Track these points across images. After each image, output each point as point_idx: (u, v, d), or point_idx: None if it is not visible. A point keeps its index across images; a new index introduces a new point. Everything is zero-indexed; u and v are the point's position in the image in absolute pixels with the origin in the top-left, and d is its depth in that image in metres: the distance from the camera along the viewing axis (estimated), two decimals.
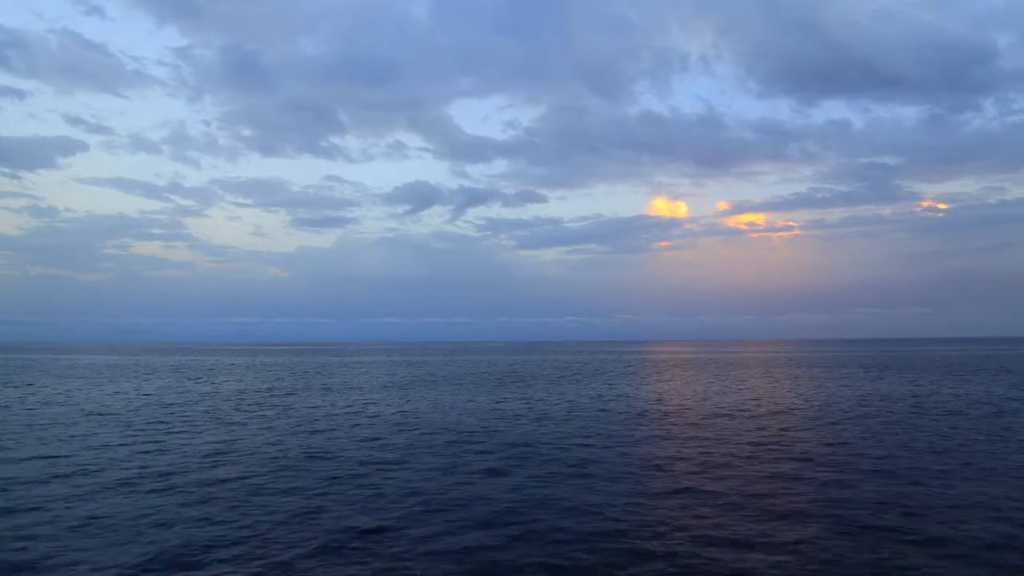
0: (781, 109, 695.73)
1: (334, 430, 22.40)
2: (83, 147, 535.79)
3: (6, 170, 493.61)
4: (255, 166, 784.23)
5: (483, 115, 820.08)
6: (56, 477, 14.87)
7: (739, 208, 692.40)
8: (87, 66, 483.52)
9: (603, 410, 28.25)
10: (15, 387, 41.89)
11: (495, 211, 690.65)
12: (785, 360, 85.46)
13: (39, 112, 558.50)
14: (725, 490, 13.49)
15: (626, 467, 15.98)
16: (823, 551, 9.77)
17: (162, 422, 24.48)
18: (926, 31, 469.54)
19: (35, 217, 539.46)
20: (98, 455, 17.59)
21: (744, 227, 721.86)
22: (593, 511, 12.03)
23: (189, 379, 50.80)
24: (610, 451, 18.19)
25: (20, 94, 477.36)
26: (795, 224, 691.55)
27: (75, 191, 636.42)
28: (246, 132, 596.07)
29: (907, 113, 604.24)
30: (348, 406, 30.26)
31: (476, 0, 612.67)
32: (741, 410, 27.77)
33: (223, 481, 14.51)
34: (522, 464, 16.44)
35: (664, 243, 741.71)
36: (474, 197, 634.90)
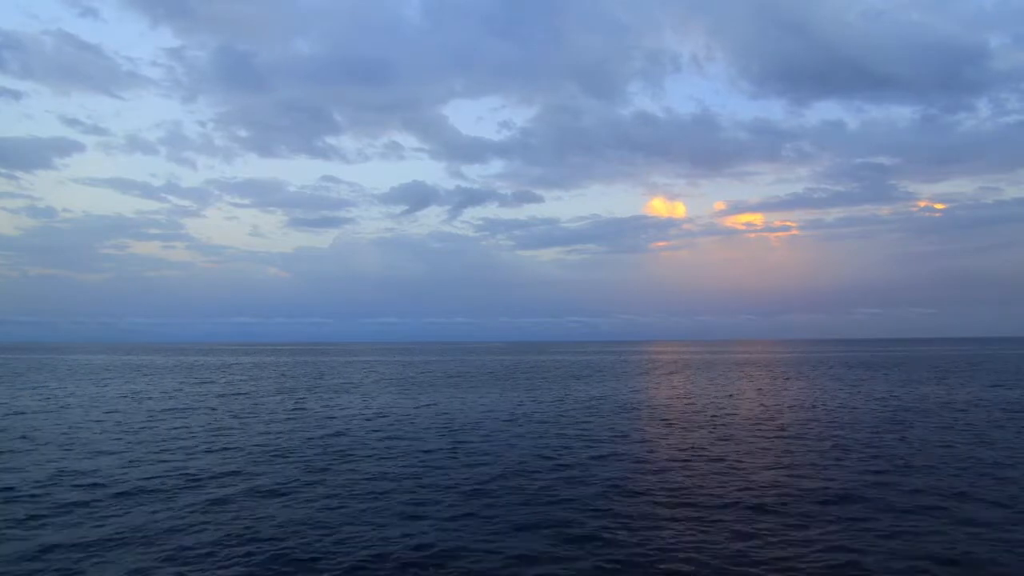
0: (774, 110, 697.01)
1: (354, 432, 22.09)
2: (80, 148, 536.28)
3: (3, 171, 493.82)
4: (252, 166, 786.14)
5: (478, 116, 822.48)
6: (79, 486, 14.55)
7: (736, 208, 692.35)
8: (82, 67, 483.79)
9: (616, 413, 27.92)
10: (28, 389, 41.57)
11: (492, 211, 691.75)
12: (795, 361, 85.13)
13: (35, 113, 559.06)
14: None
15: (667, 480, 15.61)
16: None
17: (177, 427, 24.17)
18: (918, 31, 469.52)
19: (33, 217, 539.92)
20: (111, 460, 17.29)
21: (742, 227, 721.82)
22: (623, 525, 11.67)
23: (199, 381, 50.50)
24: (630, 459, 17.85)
25: (16, 95, 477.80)
26: (793, 224, 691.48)
27: (72, 191, 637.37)
28: (242, 133, 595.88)
29: (901, 113, 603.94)
30: (363, 407, 29.95)
31: (468, 1, 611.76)
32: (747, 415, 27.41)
33: (244, 482, 14.20)
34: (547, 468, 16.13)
35: (661, 243, 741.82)
36: (471, 197, 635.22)
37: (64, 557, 9.75)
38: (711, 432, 21.83)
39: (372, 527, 11.28)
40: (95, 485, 14.23)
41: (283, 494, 13.55)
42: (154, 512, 12.09)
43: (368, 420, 25.46)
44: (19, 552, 9.97)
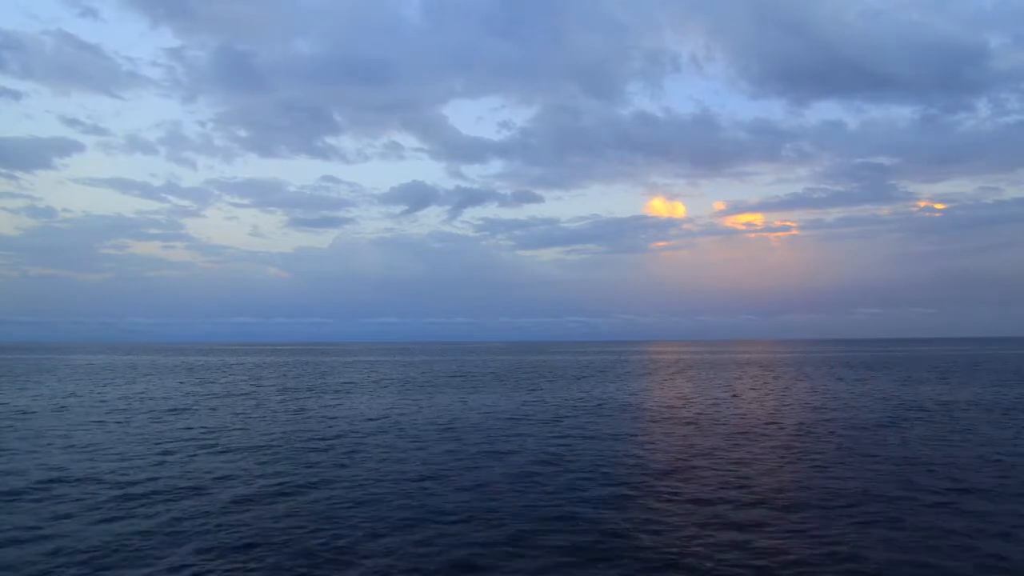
0: (774, 110, 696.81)
1: (356, 433, 22.08)
2: (79, 148, 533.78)
3: (3, 171, 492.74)
4: (251, 167, 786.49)
5: (477, 115, 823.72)
6: (83, 489, 14.54)
7: (736, 208, 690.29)
8: (82, 67, 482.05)
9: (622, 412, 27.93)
10: (28, 389, 41.57)
11: (492, 211, 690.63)
12: (796, 361, 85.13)
13: (35, 113, 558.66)
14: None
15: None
16: None
17: (179, 428, 24.17)
18: (917, 31, 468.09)
19: (32, 217, 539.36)
20: (114, 462, 17.29)
21: (742, 227, 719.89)
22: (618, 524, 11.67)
23: (199, 381, 50.50)
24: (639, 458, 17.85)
25: (16, 95, 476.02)
26: (793, 224, 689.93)
27: (72, 191, 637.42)
28: (241, 133, 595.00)
29: (901, 113, 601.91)
30: (365, 408, 29.96)
31: (468, 1, 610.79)
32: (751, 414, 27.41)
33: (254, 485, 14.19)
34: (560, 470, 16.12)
35: (661, 243, 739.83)
36: (471, 197, 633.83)
37: (71, 561, 9.73)
38: (716, 433, 21.82)
39: (377, 532, 11.26)
40: (99, 488, 14.21)
41: (286, 495, 13.53)
42: (158, 515, 12.07)
43: (370, 421, 25.46)
44: (26, 558, 9.95)
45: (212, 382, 48.55)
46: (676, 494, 13.55)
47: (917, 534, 10.81)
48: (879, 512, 12.06)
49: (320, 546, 10.38)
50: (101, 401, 33.39)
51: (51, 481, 14.75)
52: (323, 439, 20.83)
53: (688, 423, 24.39)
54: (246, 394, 37.74)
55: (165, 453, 18.32)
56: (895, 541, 10.49)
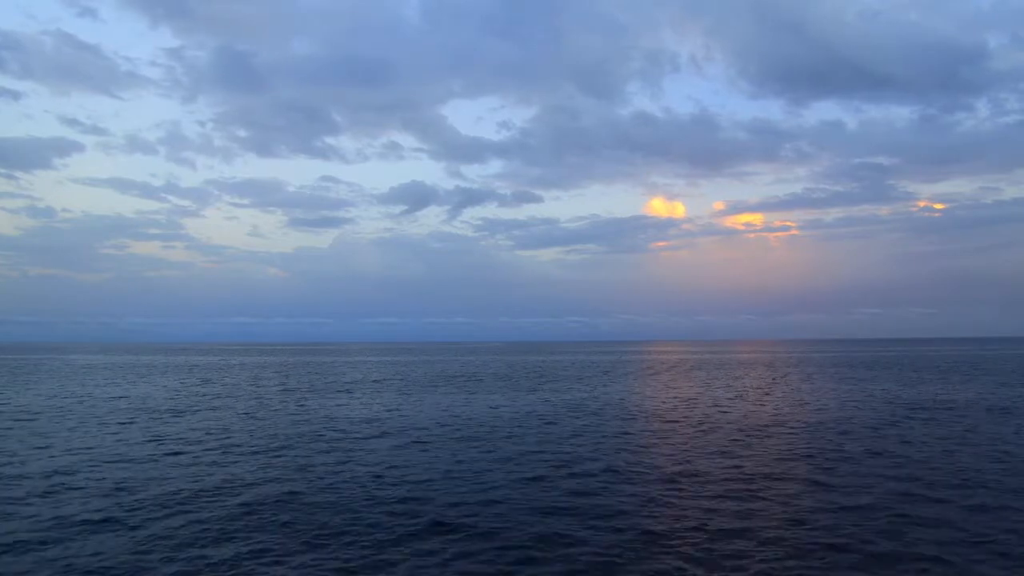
0: (773, 110, 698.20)
1: (358, 435, 22.08)
2: (79, 148, 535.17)
3: (3, 171, 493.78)
4: (251, 167, 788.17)
5: (477, 116, 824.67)
6: (88, 494, 14.52)
7: (735, 208, 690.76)
8: (81, 67, 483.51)
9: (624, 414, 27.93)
10: (29, 390, 41.54)
11: (491, 211, 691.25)
12: (797, 361, 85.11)
13: (35, 113, 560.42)
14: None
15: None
16: None
17: (182, 429, 24.17)
18: (916, 31, 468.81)
19: (32, 217, 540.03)
20: (118, 466, 17.28)
21: (741, 227, 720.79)
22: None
23: (201, 381, 50.50)
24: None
25: (15, 95, 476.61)
26: (792, 224, 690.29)
27: (72, 191, 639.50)
28: (241, 133, 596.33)
29: (900, 113, 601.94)
30: (366, 409, 29.96)
31: (467, 1, 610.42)
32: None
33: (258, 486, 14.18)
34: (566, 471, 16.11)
35: (661, 243, 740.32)
36: (470, 197, 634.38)
37: (73, 566, 9.69)
38: (723, 434, 21.80)
39: (384, 537, 11.22)
40: (101, 491, 14.18)
41: (290, 497, 13.50)
42: (162, 519, 12.03)
43: (372, 422, 25.45)
44: (27, 563, 9.91)
45: (213, 382, 48.54)
46: (685, 495, 13.54)
47: (923, 531, 10.84)
48: (885, 509, 12.11)
49: (326, 551, 10.35)
50: (102, 401, 33.37)
51: (53, 484, 14.71)
52: (325, 440, 20.82)
53: (694, 424, 24.38)
54: (247, 395, 37.73)
55: (168, 455, 18.30)
56: (901, 538, 10.50)
